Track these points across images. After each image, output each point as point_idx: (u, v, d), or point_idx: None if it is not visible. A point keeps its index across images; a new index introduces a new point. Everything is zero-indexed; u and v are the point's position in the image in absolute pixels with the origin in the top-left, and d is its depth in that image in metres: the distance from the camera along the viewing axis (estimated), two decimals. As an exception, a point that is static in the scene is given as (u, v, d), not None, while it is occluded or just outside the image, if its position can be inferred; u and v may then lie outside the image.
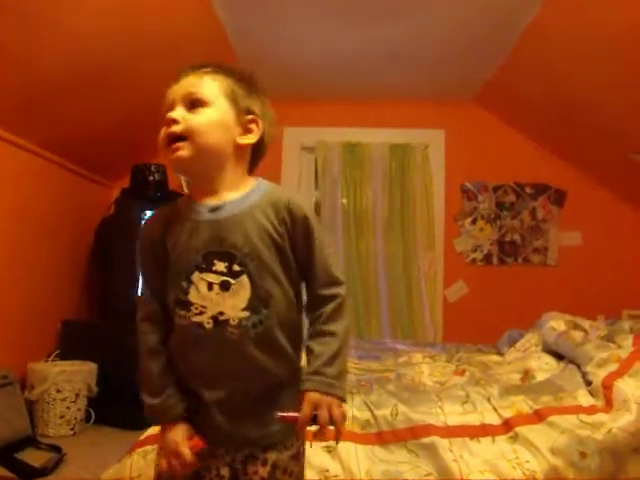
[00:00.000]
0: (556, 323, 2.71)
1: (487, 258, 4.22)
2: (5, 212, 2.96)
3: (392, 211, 4.21)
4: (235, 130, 1.23)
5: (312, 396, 1.14)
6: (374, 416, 1.93)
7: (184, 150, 1.17)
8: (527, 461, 1.84)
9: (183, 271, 1.18)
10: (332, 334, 1.19)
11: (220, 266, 1.17)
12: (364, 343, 3.40)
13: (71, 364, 3.16)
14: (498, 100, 4.09)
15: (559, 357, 2.50)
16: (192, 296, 1.17)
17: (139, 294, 1.32)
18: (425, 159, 4.26)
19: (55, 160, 3.38)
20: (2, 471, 2.28)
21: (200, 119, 1.18)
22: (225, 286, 1.16)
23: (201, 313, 1.16)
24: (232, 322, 1.15)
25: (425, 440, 1.86)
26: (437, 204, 4.25)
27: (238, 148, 1.24)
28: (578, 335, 2.54)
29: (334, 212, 4.20)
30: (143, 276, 1.29)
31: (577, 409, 1.98)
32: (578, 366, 2.28)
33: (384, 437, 1.88)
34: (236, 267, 1.16)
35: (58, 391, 2.98)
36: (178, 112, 1.19)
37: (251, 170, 1.31)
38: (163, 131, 1.20)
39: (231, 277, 1.16)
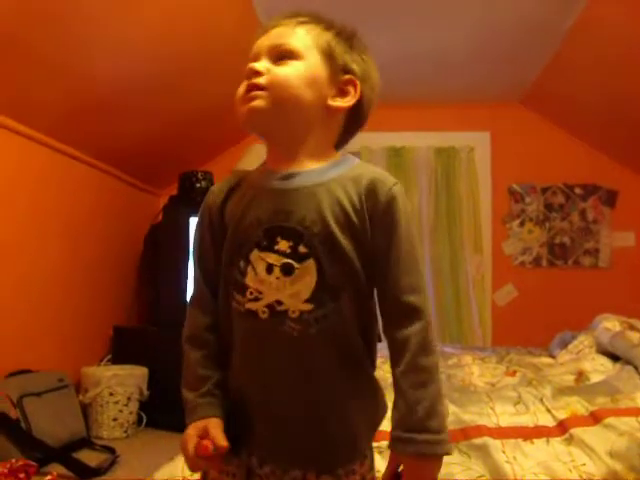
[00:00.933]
0: (610, 324, 2.64)
1: (536, 261, 4.14)
2: (60, 221, 3.05)
3: (438, 215, 4.18)
4: (328, 90, 1.04)
5: (409, 463, 0.95)
6: (424, 417, 1.91)
7: (261, 100, 1.00)
8: (584, 464, 1.79)
9: (241, 248, 1.00)
10: (428, 370, 0.95)
11: (284, 245, 0.97)
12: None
13: (123, 368, 3.22)
14: (544, 100, 4.03)
15: (614, 358, 2.44)
16: (249, 279, 0.98)
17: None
18: (471, 162, 4.22)
19: (105, 169, 3.47)
20: (61, 469, 2.34)
21: (286, 70, 1.01)
22: (287, 270, 0.97)
23: (256, 299, 0.98)
24: (292, 314, 0.96)
25: (477, 441, 1.83)
26: (484, 207, 4.20)
27: (329, 111, 1.05)
28: (635, 336, 2.47)
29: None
30: (195, 254, 1.12)
31: (636, 411, 1.92)
32: (635, 367, 2.22)
33: (435, 438, 1.86)
34: (302, 248, 0.96)
35: (111, 394, 3.04)
36: (262, 64, 1.02)
37: (344, 142, 1.13)
38: (242, 85, 1.03)
39: (295, 260, 0.97)
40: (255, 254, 0.99)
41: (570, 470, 1.78)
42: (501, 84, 3.93)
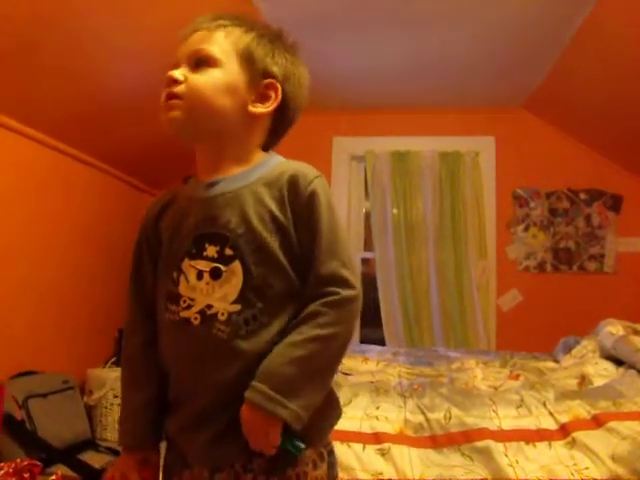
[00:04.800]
0: (614, 328, 2.64)
1: (541, 266, 4.13)
2: (65, 222, 3.07)
3: (443, 219, 4.18)
4: (247, 95, 1.04)
5: (243, 409, 0.93)
6: (427, 419, 1.92)
7: (177, 111, 1.01)
8: (586, 468, 1.79)
9: (174, 259, 1.02)
10: (306, 338, 0.93)
11: (211, 250, 0.99)
12: (416, 351, 3.38)
13: (128, 370, 3.23)
14: (549, 105, 4.03)
15: (618, 363, 2.43)
16: (182, 287, 0.99)
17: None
18: (476, 166, 4.22)
19: (110, 171, 3.49)
20: (65, 470, 2.35)
21: (202, 79, 1.01)
22: (215, 274, 0.97)
23: (189, 307, 0.98)
24: (221, 317, 0.96)
25: (479, 444, 1.84)
26: (488, 211, 4.20)
27: (251, 117, 1.05)
28: (638, 340, 2.47)
29: (385, 222, 4.20)
30: (132, 273, 1.13)
31: (639, 415, 1.92)
32: (638, 372, 2.22)
33: (438, 441, 1.87)
34: (228, 251, 0.97)
35: (115, 396, 3.05)
36: (180, 71, 1.02)
37: (273, 142, 1.13)
38: (163, 93, 1.04)
39: (222, 263, 0.97)
40: (186, 263, 1.00)
41: (572, 474, 1.78)
42: (506, 89, 3.93)
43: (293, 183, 1.00)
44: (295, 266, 0.99)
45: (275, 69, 1.06)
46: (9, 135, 2.58)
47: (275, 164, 1.05)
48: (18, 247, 2.69)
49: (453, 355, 3.18)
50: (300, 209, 0.99)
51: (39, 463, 2.14)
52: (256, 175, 1.03)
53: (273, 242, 0.97)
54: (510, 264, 4.17)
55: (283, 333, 0.96)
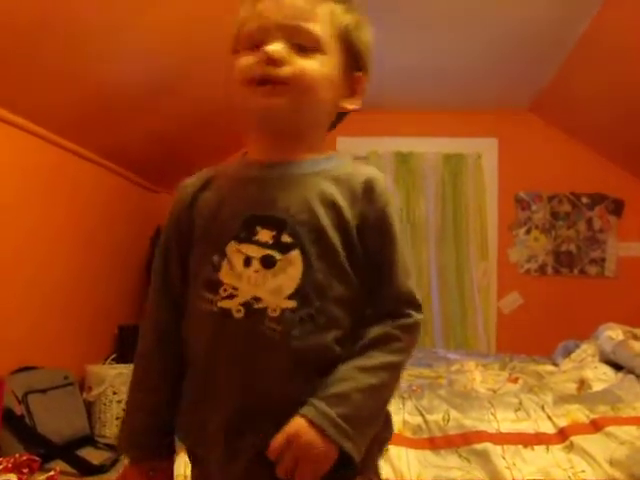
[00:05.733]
0: (614, 332, 2.64)
1: (542, 269, 4.14)
2: (69, 220, 3.08)
3: (445, 221, 4.18)
4: (341, 90, 0.93)
5: (297, 423, 0.80)
6: (426, 421, 1.92)
7: (282, 99, 0.86)
8: (583, 471, 1.80)
9: (216, 242, 0.88)
10: (378, 365, 0.83)
11: (265, 235, 0.85)
12: (416, 352, 3.36)
13: (127, 367, 3.24)
14: (553, 108, 4.03)
15: (617, 368, 2.44)
16: (223, 273, 0.85)
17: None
18: (478, 168, 4.22)
19: (115, 169, 3.50)
20: (64, 466, 2.36)
21: (314, 67, 0.87)
22: (268, 262, 0.84)
23: (231, 297, 0.84)
24: (272, 313, 0.83)
25: (477, 446, 1.84)
26: (490, 214, 4.20)
27: (336, 109, 0.95)
28: (637, 345, 2.47)
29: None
30: (158, 255, 0.98)
31: (637, 420, 1.93)
32: (637, 376, 2.22)
33: (436, 442, 1.87)
34: (286, 237, 0.84)
35: (114, 393, 3.06)
36: (282, 48, 0.85)
37: (332, 128, 1.01)
38: (249, 64, 0.87)
39: (278, 250, 0.84)
40: (232, 246, 0.86)
41: (569, 477, 1.79)
42: (509, 91, 3.93)
43: (369, 189, 0.88)
44: (357, 272, 0.87)
45: (367, 59, 0.96)
46: (17, 133, 2.59)
47: (342, 160, 0.94)
48: (23, 244, 2.69)
49: (452, 357, 3.18)
50: (373, 218, 0.87)
51: (38, 458, 2.15)
52: (323, 167, 0.91)
53: (336, 239, 0.85)
54: (511, 267, 4.17)
55: (340, 343, 0.85)
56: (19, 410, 2.46)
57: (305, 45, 0.87)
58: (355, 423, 0.81)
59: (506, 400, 2.04)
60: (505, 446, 1.84)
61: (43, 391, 2.63)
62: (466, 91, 3.94)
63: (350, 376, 0.82)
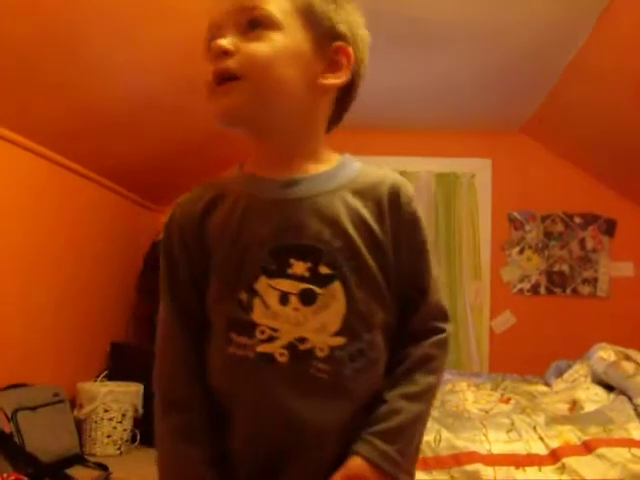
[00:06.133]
0: (605, 353, 2.65)
1: (534, 288, 4.14)
2: (61, 235, 3.07)
3: (438, 240, 4.19)
4: (315, 65, 0.82)
5: (357, 464, 0.76)
6: (417, 441, 1.91)
7: (237, 95, 0.78)
8: (574, 493, 1.79)
9: (240, 276, 0.79)
10: (423, 390, 0.80)
11: (299, 267, 0.77)
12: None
13: (119, 385, 3.22)
14: (545, 130, 4.06)
15: (609, 389, 2.44)
16: (257, 314, 0.77)
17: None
18: (472, 188, 4.25)
19: (108, 185, 3.49)
20: (51, 485, 2.34)
21: (262, 48, 0.78)
22: (308, 298, 0.77)
23: (271, 339, 0.76)
24: (319, 353, 0.76)
25: (469, 467, 1.84)
26: (483, 233, 4.21)
27: (320, 92, 0.84)
28: (629, 366, 2.47)
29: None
30: (166, 287, 0.88)
31: (629, 442, 1.93)
32: (629, 398, 2.22)
33: (427, 463, 1.87)
34: (324, 269, 0.77)
35: (106, 411, 3.04)
36: (229, 39, 0.79)
37: (336, 121, 0.91)
38: (210, 71, 0.81)
39: (317, 284, 0.77)
40: (263, 282, 0.78)
41: (561, 499, 1.78)
42: (503, 112, 3.96)
43: (395, 197, 0.83)
44: (392, 291, 0.82)
45: (343, 27, 0.84)
46: (8, 147, 2.59)
47: (360, 169, 0.87)
48: (12, 259, 2.68)
49: (445, 377, 3.18)
50: (402, 228, 0.82)
51: (26, 478, 2.13)
52: (342, 179, 0.84)
53: (372, 261, 0.80)
54: (504, 286, 4.18)
55: (387, 372, 0.81)
56: (8, 428, 2.43)
57: (255, 24, 0.79)
58: (408, 453, 0.79)
59: (498, 421, 2.04)
60: (497, 467, 1.84)
61: (33, 408, 2.60)
62: (460, 112, 3.97)
63: (400, 407, 0.78)
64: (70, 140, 2.90)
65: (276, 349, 0.76)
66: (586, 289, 4.11)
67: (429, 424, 1.98)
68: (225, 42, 0.78)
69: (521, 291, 4.16)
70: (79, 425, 2.99)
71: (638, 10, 2.39)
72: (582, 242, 4.14)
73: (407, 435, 0.79)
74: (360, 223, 0.80)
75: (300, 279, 0.77)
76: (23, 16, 2.04)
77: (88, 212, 3.35)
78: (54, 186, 3.00)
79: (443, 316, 0.84)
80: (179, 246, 0.86)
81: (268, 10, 0.78)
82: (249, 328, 0.77)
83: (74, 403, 3.06)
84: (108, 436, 3.03)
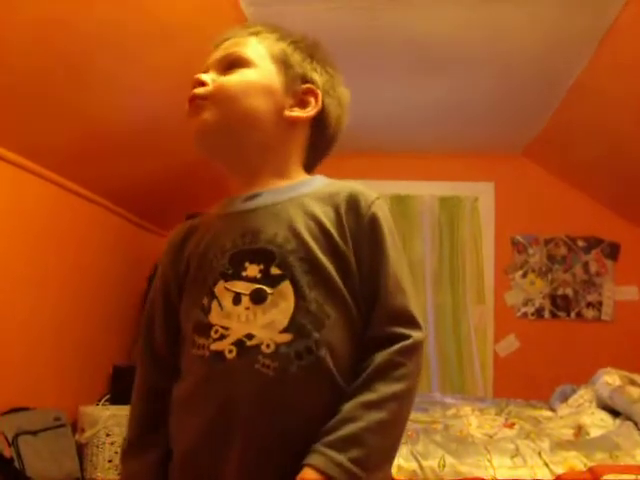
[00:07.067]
0: (610, 378, 2.62)
1: (539, 312, 4.13)
2: (64, 258, 3.08)
3: (441, 264, 4.19)
4: (284, 100, 0.91)
5: (309, 477, 0.74)
6: (421, 467, 1.90)
7: (206, 112, 0.88)
8: (580, 520, 1.77)
9: (204, 284, 0.85)
10: (384, 398, 0.78)
11: (252, 270, 0.82)
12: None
13: (121, 409, 3.20)
14: (548, 153, 4.08)
15: (614, 414, 2.41)
16: (213, 315, 0.82)
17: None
18: (475, 212, 4.25)
19: (112, 208, 3.51)
20: (51, 510, 2.31)
21: (231, 79, 0.90)
22: (258, 297, 0.80)
23: (222, 337, 0.80)
24: (265, 349, 0.78)
25: (473, 494, 1.82)
26: (487, 257, 4.21)
27: (288, 124, 0.91)
28: (635, 391, 2.45)
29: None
30: (145, 319, 0.95)
31: (636, 469, 1.90)
32: (635, 423, 2.20)
33: (431, 489, 1.85)
34: (275, 269, 0.81)
35: (108, 435, 3.02)
36: (209, 75, 0.92)
37: (314, 161, 0.98)
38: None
39: (268, 284, 0.81)
40: (220, 286, 0.83)
41: (567, 526, 1.75)
42: (506, 136, 3.99)
43: (353, 203, 0.86)
44: (354, 296, 0.83)
45: (315, 75, 0.94)
46: (15, 171, 2.61)
47: (324, 183, 0.92)
48: (15, 281, 2.68)
49: (449, 401, 3.15)
50: (361, 233, 0.85)
51: (26, 503, 2.11)
52: (304, 190, 0.89)
53: (329, 264, 0.82)
54: (508, 310, 4.16)
55: (345, 378, 0.80)
56: (8, 453, 2.41)
57: (232, 64, 0.91)
58: (369, 464, 0.76)
59: (502, 446, 2.02)
60: (501, 493, 1.82)
61: (34, 433, 2.58)
62: (463, 135, 3.99)
63: (357, 415, 0.76)
64: (76, 164, 2.92)
65: (226, 346, 0.79)
66: (590, 313, 4.09)
67: (432, 449, 1.96)
68: (203, 75, 0.91)
69: (525, 315, 4.14)
70: (80, 449, 2.97)
71: None
72: (586, 266, 4.13)
73: (365, 444, 0.75)
74: (316, 226, 0.84)
75: (252, 280, 0.81)
76: (30, 44, 2.07)
77: (92, 235, 3.36)
78: (60, 209, 3.02)
79: (408, 322, 0.82)
80: (160, 281, 0.95)
81: (244, 52, 0.91)
82: (206, 329, 0.82)
83: (76, 427, 3.04)
84: (109, 461, 3.00)
